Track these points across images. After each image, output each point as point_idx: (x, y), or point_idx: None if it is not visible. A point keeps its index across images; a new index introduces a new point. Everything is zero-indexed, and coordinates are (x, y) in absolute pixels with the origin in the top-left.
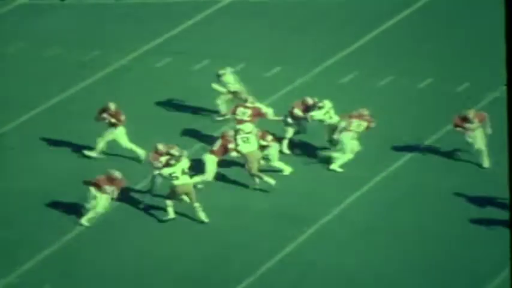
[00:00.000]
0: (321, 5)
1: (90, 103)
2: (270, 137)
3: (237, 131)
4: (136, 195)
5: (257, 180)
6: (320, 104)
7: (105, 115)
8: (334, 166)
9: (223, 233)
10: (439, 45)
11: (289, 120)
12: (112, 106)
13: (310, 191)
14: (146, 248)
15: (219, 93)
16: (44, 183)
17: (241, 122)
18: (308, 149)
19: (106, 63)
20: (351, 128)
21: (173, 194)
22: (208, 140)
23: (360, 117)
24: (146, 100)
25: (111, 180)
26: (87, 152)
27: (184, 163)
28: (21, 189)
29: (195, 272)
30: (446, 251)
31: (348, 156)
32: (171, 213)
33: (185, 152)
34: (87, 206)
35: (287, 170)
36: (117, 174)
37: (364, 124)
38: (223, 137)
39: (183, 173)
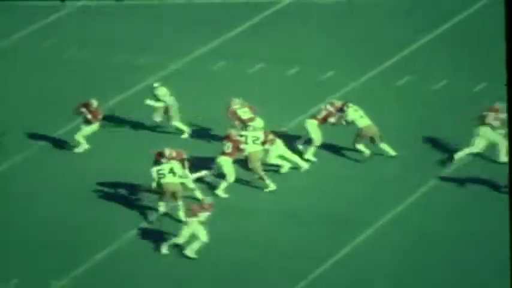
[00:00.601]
0: (376, 10)
1: (146, 106)
2: (271, 136)
3: (246, 128)
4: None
5: (265, 180)
6: (350, 105)
7: (84, 110)
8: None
9: (274, 237)
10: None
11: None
12: (94, 103)
13: (363, 193)
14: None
15: (154, 107)
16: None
17: (249, 120)
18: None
19: (162, 66)
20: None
21: (160, 192)
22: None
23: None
24: (202, 103)
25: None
26: (76, 150)
27: (175, 165)
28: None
29: (243, 276)
30: (503, 255)
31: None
32: (161, 207)
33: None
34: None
35: (303, 165)
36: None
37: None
38: (229, 137)
39: (171, 172)
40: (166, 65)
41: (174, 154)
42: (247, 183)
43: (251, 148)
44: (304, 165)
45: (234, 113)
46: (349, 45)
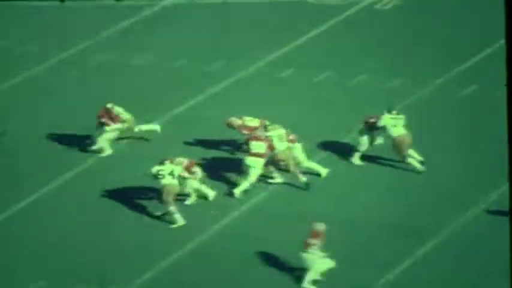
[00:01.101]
0: (441, 18)
1: (216, 112)
2: (292, 136)
3: (268, 129)
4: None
5: (300, 176)
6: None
7: (104, 115)
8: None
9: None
10: None
11: (365, 132)
12: (116, 109)
13: (424, 201)
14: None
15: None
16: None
17: (256, 127)
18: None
19: (230, 73)
20: None
21: (159, 193)
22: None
23: None
24: (268, 110)
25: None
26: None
27: (177, 168)
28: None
29: None
30: None
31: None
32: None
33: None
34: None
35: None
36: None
37: None
38: (256, 138)
39: (171, 174)
40: (235, 72)
41: (185, 163)
42: (298, 187)
43: (281, 146)
44: (322, 172)
45: (241, 124)
46: (415, 52)
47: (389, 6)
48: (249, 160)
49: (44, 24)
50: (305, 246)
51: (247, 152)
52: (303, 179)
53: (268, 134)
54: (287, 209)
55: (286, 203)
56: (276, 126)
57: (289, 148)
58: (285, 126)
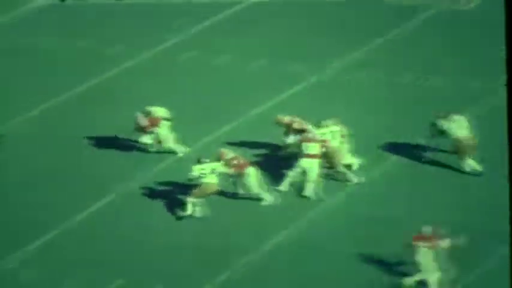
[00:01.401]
0: None
1: (293, 113)
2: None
3: (322, 126)
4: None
5: (350, 175)
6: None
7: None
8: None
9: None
10: None
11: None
12: (157, 111)
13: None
14: None
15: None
16: None
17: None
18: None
19: (305, 76)
20: None
21: (200, 191)
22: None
23: None
24: (351, 112)
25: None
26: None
27: (217, 165)
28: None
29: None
30: None
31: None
32: (188, 210)
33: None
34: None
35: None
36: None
37: None
38: (309, 139)
39: (212, 172)
40: (310, 74)
41: (235, 161)
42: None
43: (335, 143)
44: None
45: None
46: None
47: (469, 6)
48: (305, 162)
49: (132, 23)
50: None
51: (300, 153)
52: (354, 179)
53: (320, 131)
54: (362, 210)
55: (362, 203)
56: (331, 122)
57: (340, 145)
58: (358, 129)
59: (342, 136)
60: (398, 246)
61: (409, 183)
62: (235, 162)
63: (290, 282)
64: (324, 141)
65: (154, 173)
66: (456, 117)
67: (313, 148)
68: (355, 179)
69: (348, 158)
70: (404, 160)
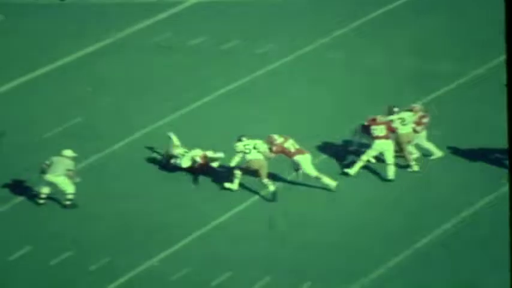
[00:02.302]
0: None
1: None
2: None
3: (394, 112)
4: None
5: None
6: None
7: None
8: None
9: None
10: None
11: None
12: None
13: None
14: None
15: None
16: None
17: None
18: None
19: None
20: None
21: (245, 168)
22: None
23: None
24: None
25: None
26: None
27: (260, 144)
28: None
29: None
30: None
31: None
32: (235, 185)
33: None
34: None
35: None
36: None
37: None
38: (375, 122)
39: (255, 148)
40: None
41: (279, 148)
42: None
43: (403, 130)
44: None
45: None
46: None
47: None
48: (379, 144)
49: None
50: None
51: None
52: (415, 167)
53: (389, 117)
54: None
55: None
56: (400, 109)
57: (412, 132)
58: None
59: (418, 123)
60: None
61: None
62: (278, 148)
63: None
64: (388, 122)
65: None
66: (403, 113)
67: (380, 130)
68: (415, 167)
69: (426, 144)
70: None
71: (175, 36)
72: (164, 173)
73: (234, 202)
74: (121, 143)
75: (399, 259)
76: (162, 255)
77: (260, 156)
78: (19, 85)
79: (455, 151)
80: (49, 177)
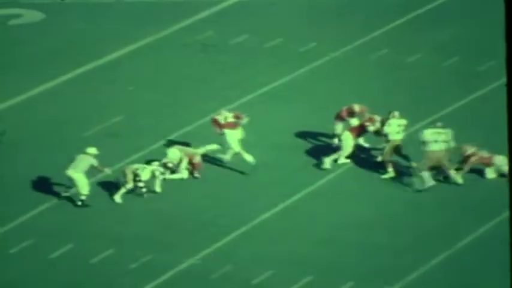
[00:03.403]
0: None
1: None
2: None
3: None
4: None
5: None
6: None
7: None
8: None
9: None
10: None
11: None
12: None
13: None
14: None
15: None
16: None
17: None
18: None
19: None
20: None
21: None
22: None
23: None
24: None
25: None
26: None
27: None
28: None
29: None
30: None
31: None
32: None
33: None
34: None
35: None
36: None
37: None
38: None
39: (436, 141)
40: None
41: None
42: None
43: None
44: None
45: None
46: None
47: None
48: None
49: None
50: None
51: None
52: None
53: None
54: None
55: None
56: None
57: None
58: None
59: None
60: None
61: None
62: (473, 157)
63: None
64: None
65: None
66: (396, 120)
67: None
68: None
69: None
70: None
71: (218, 35)
72: (204, 171)
73: (275, 200)
74: (162, 142)
75: (439, 260)
76: (203, 253)
77: (440, 148)
78: (60, 84)
79: (497, 151)
80: (69, 172)
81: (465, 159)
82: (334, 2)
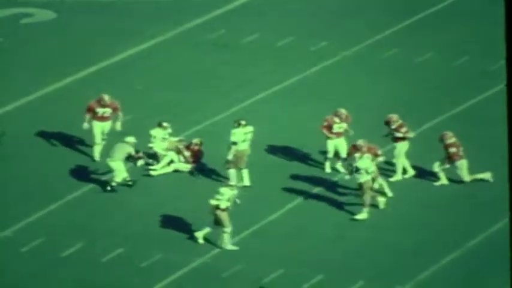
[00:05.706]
0: None
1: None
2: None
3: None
4: None
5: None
6: None
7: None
8: None
9: None
10: None
11: None
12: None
13: None
14: None
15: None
16: None
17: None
18: None
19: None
20: None
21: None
22: None
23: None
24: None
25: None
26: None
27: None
28: None
29: None
30: None
31: None
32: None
33: None
34: None
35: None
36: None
37: None
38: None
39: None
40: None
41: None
42: None
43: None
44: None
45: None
46: None
47: None
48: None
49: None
50: None
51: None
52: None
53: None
54: None
55: None
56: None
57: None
58: None
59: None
60: None
61: None
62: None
63: None
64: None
65: None
66: (243, 128)
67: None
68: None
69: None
70: None
71: (230, 33)
72: (216, 171)
73: (286, 199)
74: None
75: (450, 259)
76: (214, 251)
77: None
78: (72, 82)
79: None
80: (107, 160)
81: (446, 147)
82: (345, 1)
